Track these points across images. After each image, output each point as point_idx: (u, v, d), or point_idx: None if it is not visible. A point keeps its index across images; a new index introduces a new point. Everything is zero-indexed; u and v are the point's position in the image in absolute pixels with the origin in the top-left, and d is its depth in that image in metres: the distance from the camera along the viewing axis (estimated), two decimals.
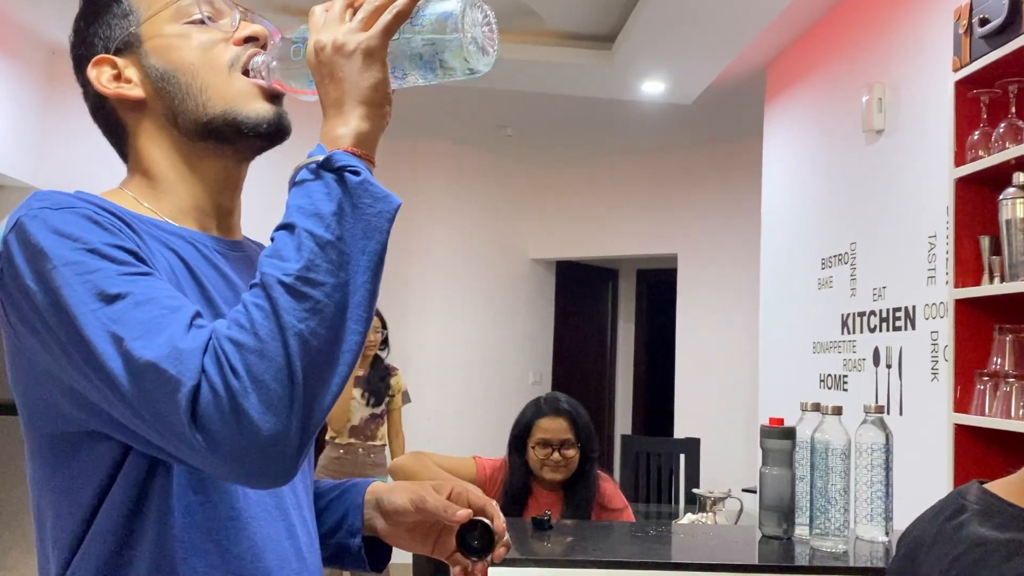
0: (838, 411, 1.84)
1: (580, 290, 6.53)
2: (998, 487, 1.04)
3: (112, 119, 0.90)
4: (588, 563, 1.59)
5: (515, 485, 2.42)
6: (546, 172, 6.14)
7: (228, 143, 0.87)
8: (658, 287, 6.60)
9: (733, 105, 4.58)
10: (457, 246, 5.70)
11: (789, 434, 1.90)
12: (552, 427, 2.39)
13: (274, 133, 0.88)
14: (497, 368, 5.71)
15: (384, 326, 3.92)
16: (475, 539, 0.89)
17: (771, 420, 1.95)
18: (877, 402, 2.93)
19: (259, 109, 0.87)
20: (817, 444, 1.84)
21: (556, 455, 2.36)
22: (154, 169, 0.89)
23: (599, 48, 4.07)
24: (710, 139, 5.40)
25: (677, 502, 4.03)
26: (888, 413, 2.87)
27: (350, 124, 0.76)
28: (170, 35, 0.87)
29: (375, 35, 0.76)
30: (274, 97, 0.88)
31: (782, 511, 1.87)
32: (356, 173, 0.74)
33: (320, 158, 0.74)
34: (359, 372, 3.82)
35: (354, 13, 0.78)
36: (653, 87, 4.30)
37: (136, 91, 0.87)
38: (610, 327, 6.81)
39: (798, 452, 1.91)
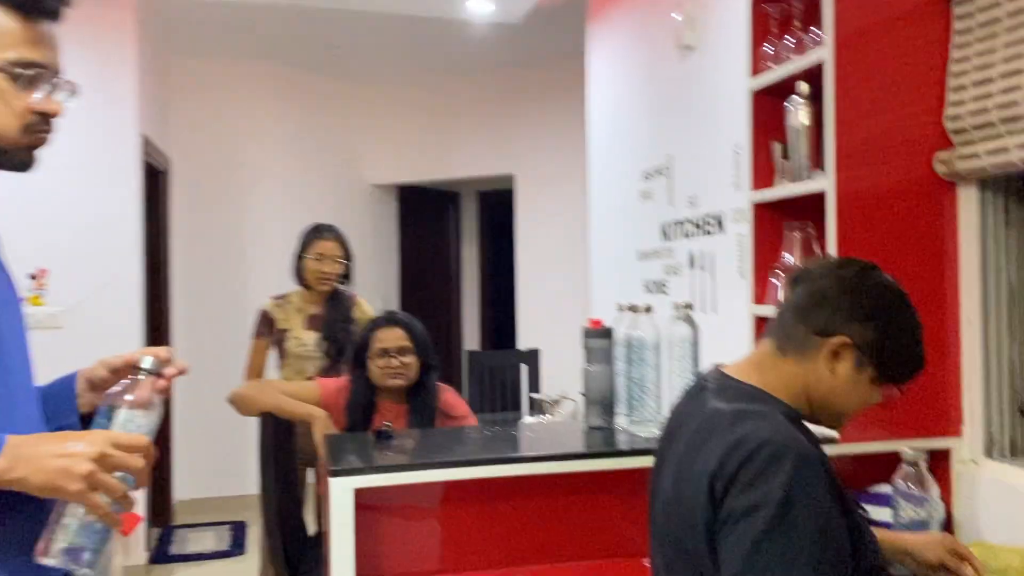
0: (648, 310, 2.01)
1: (423, 214, 6.55)
2: (730, 368, 1.27)
3: None
4: (427, 464, 1.69)
5: (358, 400, 2.48)
6: (381, 94, 6.04)
7: None
8: (498, 208, 6.72)
9: (559, 25, 4.66)
10: (292, 174, 5.55)
11: (607, 334, 2.06)
12: (388, 336, 2.48)
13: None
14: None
15: (348, 256, 3.18)
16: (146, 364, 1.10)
17: (591, 322, 2.10)
18: (694, 302, 3.18)
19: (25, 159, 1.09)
20: (632, 341, 2.00)
21: (395, 361, 2.45)
22: None
23: None
24: (540, 59, 5.47)
25: (521, 409, 4.23)
26: (704, 311, 3.13)
27: None
28: None
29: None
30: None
31: (604, 404, 2.04)
32: None
33: None
34: (313, 310, 3.08)
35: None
36: (479, 5, 4.30)
37: None
38: (454, 249, 6.90)
39: (616, 350, 2.07)
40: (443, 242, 6.81)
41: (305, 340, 3.05)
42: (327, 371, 3.01)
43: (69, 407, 1.20)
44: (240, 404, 2.57)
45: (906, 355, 1.23)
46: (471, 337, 6.91)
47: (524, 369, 4.35)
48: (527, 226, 5.74)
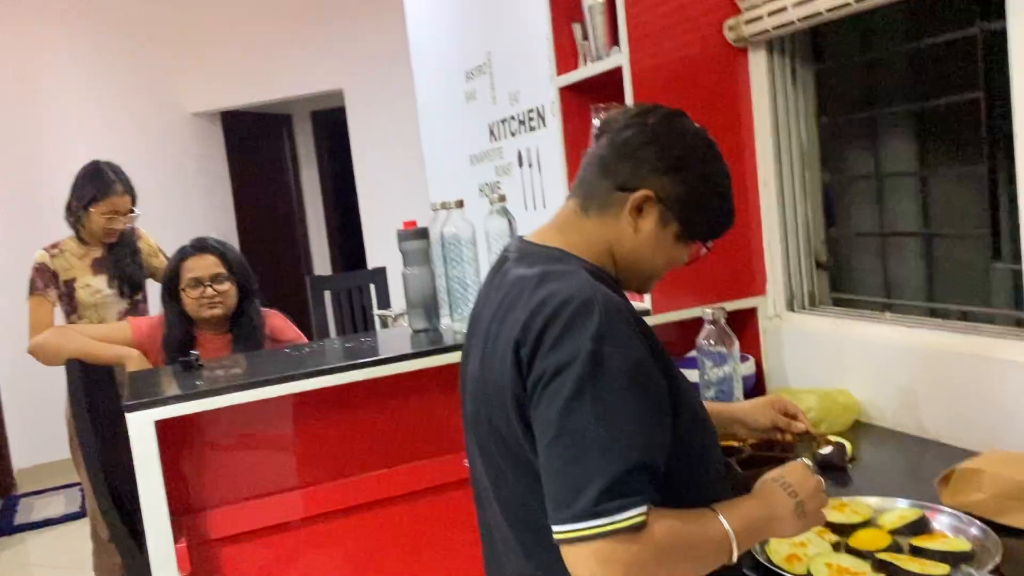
0: (460, 205, 1.96)
1: (253, 140, 6.21)
2: (532, 235, 1.19)
3: None
4: (232, 388, 1.60)
5: (175, 336, 2.34)
6: (192, 13, 5.59)
7: None
8: (334, 126, 6.47)
9: None
10: (101, 110, 5.11)
11: (422, 234, 2.00)
12: (200, 264, 2.33)
13: None
14: (173, 233, 5.35)
15: (134, 202, 2.86)
16: None
17: (405, 224, 2.03)
18: (526, 201, 3.17)
19: None
20: (447, 238, 1.96)
21: (210, 290, 2.31)
22: None
23: None
24: None
25: (373, 328, 4.16)
26: (535, 208, 3.12)
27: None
28: None
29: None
30: None
31: (426, 306, 2.00)
32: None
33: None
34: (96, 254, 2.83)
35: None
36: None
37: None
38: (292, 174, 6.62)
39: (434, 250, 2.02)
40: (279, 168, 6.52)
41: (97, 286, 2.80)
42: (131, 312, 2.82)
43: None
44: (42, 354, 2.38)
45: (713, 209, 1.14)
46: (322, 263, 6.73)
47: (371, 288, 4.26)
48: (362, 142, 5.56)
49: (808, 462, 1.13)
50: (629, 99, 1.90)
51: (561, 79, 2.20)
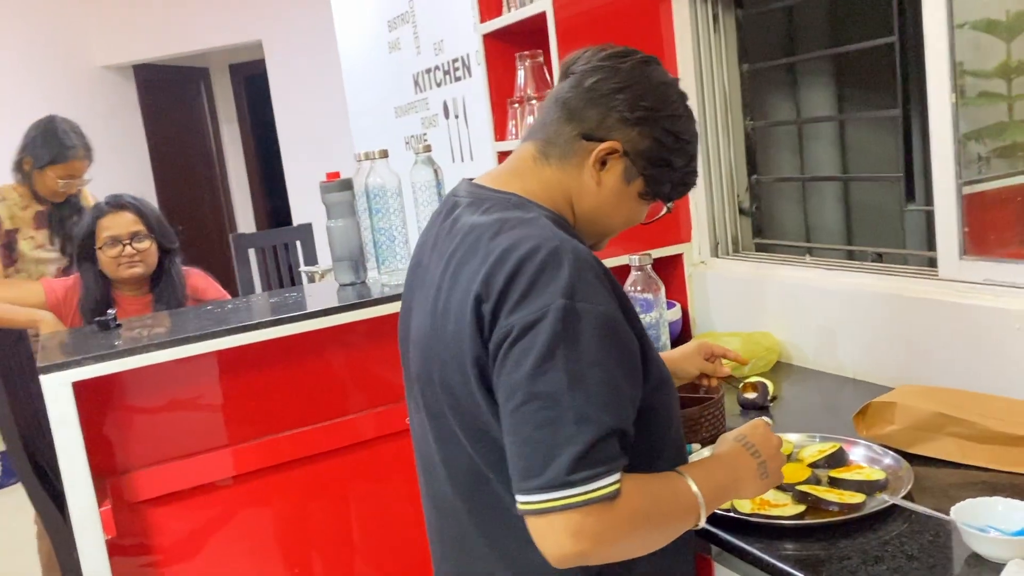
0: (384, 155, 1.92)
1: (168, 95, 5.97)
2: (484, 178, 1.09)
3: None
4: (152, 346, 1.55)
5: (92, 298, 2.26)
6: None
7: None
8: (253, 80, 6.26)
9: None
10: (4, 62, 4.82)
11: (346, 185, 1.96)
12: (117, 222, 2.24)
13: None
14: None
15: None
16: None
17: (328, 175, 1.98)
18: (453, 153, 3.14)
19: None
20: (371, 189, 1.92)
21: (129, 248, 2.22)
22: None
23: None
24: None
25: (300, 285, 4.09)
26: (462, 159, 3.09)
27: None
28: None
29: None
30: None
31: (352, 259, 1.97)
32: None
33: None
34: (39, 206, 2.66)
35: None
36: None
37: None
38: (211, 129, 6.40)
39: (358, 202, 1.98)
40: (197, 124, 6.29)
41: (40, 239, 2.67)
42: (67, 272, 2.67)
43: None
44: None
45: (680, 169, 1.06)
46: (246, 221, 6.56)
47: (298, 245, 4.17)
48: (284, 95, 5.40)
49: (768, 420, 1.11)
50: (553, 46, 1.88)
51: (484, 26, 2.16)
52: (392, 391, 1.89)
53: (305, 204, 5.31)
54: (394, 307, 1.80)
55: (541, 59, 2.10)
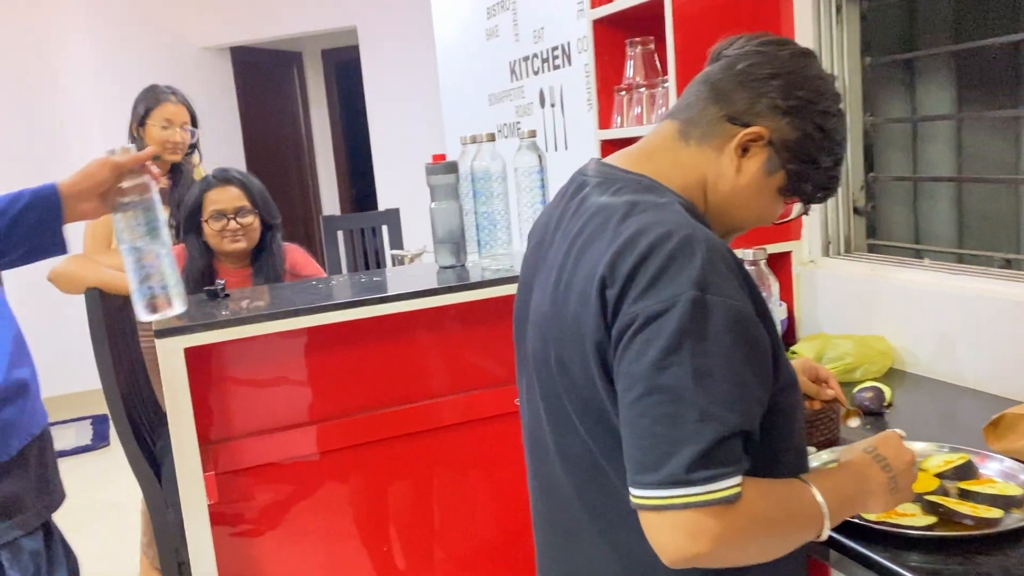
0: (491, 138, 1.91)
1: (263, 78, 6.11)
2: (616, 158, 1.05)
3: None
4: (262, 316, 1.58)
5: (197, 268, 2.31)
6: None
7: None
8: (346, 65, 6.35)
9: None
10: (108, 43, 5.00)
11: (452, 168, 1.96)
12: (223, 196, 2.28)
13: None
14: None
15: (195, 122, 2.74)
16: None
17: (434, 157, 1.98)
18: (547, 142, 3.11)
19: None
20: (476, 172, 1.91)
21: (233, 223, 2.27)
22: None
23: None
24: None
25: (384, 269, 4.14)
26: (556, 149, 3.06)
27: None
28: None
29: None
30: None
31: (453, 241, 1.97)
32: None
33: None
34: (161, 185, 2.57)
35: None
36: None
37: None
38: (302, 113, 6.53)
39: (462, 185, 1.98)
40: (289, 107, 6.42)
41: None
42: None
43: (51, 223, 1.26)
44: (62, 282, 2.35)
45: (825, 170, 1.00)
46: (331, 204, 6.67)
47: (384, 229, 4.22)
48: (376, 82, 5.45)
49: (901, 432, 1.04)
50: (669, 34, 1.84)
51: (595, 12, 2.13)
52: (489, 376, 1.88)
53: (391, 190, 5.37)
54: (494, 291, 1.79)
55: (652, 46, 2.06)
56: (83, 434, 4.35)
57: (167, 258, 1.34)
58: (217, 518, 1.63)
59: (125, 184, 1.29)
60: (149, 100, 2.70)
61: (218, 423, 1.69)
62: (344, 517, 1.83)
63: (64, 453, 4.11)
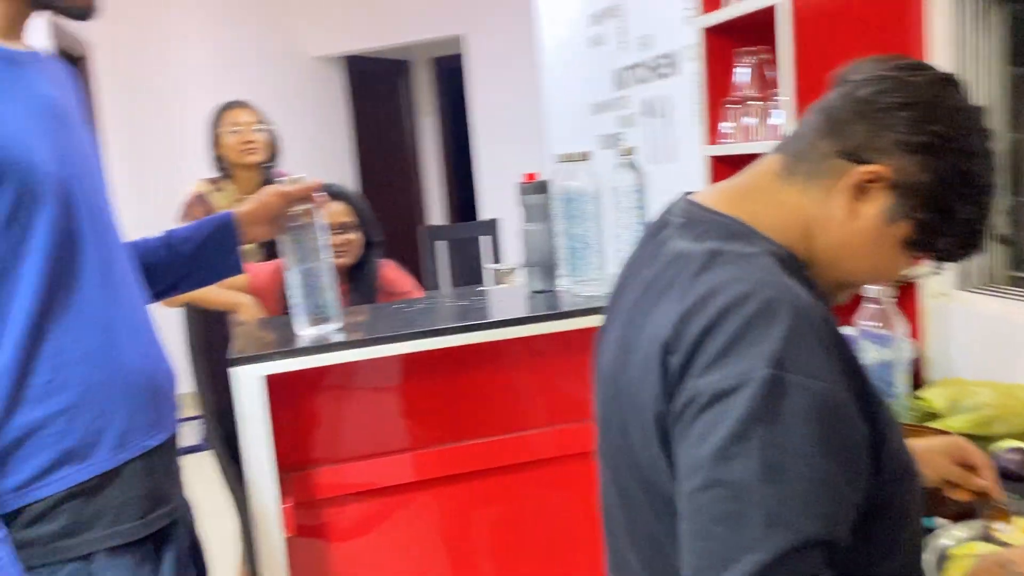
0: (584, 157, 1.80)
1: (373, 87, 6.18)
2: (706, 195, 0.92)
3: None
4: (359, 342, 1.52)
5: None
6: None
7: None
8: (453, 73, 6.36)
9: None
10: (224, 53, 5.15)
11: (542, 187, 1.86)
12: (330, 211, 2.26)
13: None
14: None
15: (266, 125, 2.83)
16: None
17: (526, 176, 1.89)
18: (650, 153, 2.97)
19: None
20: (569, 193, 1.80)
21: (337, 239, 2.24)
22: None
23: None
24: None
25: (481, 282, 4.08)
26: (659, 162, 2.92)
27: None
28: None
29: None
30: None
31: (545, 265, 1.86)
32: None
33: None
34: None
35: None
36: None
37: None
38: (411, 122, 6.57)
39: (555, 205, 1.87)
40: (397, 115, 6.47)
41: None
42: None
43: (230, 246, 1.38)
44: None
45: (964, 222, 0.83)
46: (437, 214, 6.69)
47: (482, 240, 4.16)
48: (480, 90, 5.42)
49: None
50: (786, 43, 1.68)
51: (705, 19, 1.98)
52: (575, 410, 1.77)
53: (492, 200, 5.32)
54: (584, 321, 1.67)
55: (766, 57, 1.90)
56: (191, 435, 4.48)
57: (327, 276, 1.53)
58: (294, 546, 1.59)
59: (294, 211, 1.48)
60: (216, 114, 2.84)
61: (297, 450, 1.64)
62: (421, 550, 1.75)
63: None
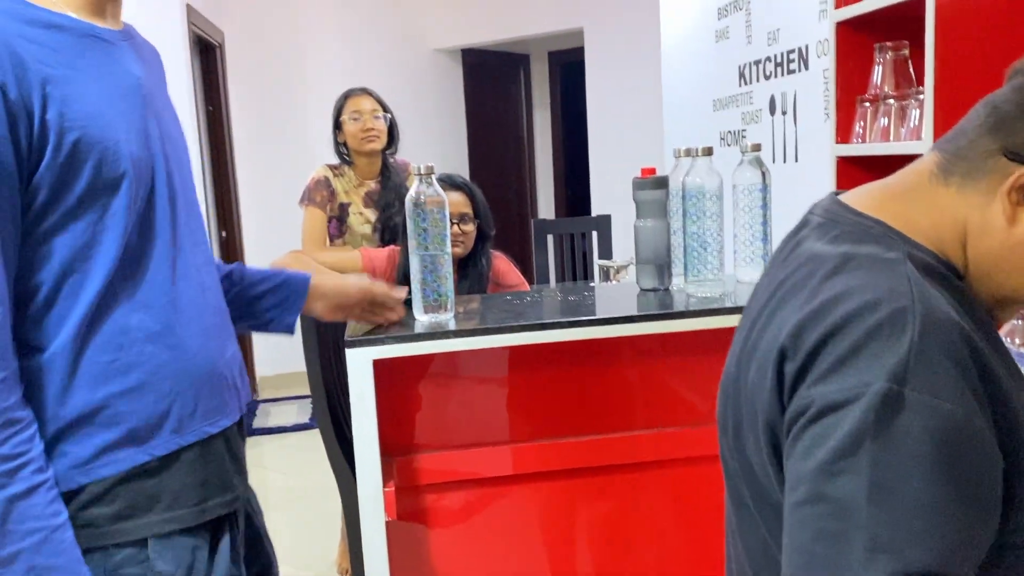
0: (708, 152, 1.74)
1: (490, 79, 6.23)
2: (853, 195, 0.85)
3: None
4: (468, 332, 1.53)
5: (407, 272, 2.32)
6: None
7: None
8: (571, 68, 6.33)
9: None
10: (350, 42, 5.31)
11: (661, 183, 1.81)
12: (449, 201, 2.28)
13: None
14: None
15: (387, 111, 2.89)
16: None
17: (643, 171, 1.85)
18: (775, 151, 2.87)
19: None
20: (689, 189, 1.75)
21: (455, 228, 2.26)
22: None
23: None
24: None
25: (592, 278, 4.04)
26: (784, 161, 2.81)
27: None
28: None
29: None
30: None
31: (658, 263, 1.82)
32: None
33: None
34: (370, 187, 2.87)
35: None
36: None
37: None
38: (524, 116, 6.59)
39: (672, 202, 1.82)
40: (513, 108, 6.50)
41: (369, 216, 2.83)
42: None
43: (293, 308, 1.36)
44: None
45: None
46: (547, 207, 6.69)
47: (594, 236, 4.12)
48: (599, 84, 5.37)
49: None
50: (929, 37, 1.57)
51: (840, 12, 1.89)
52: (681, 414, 1.72)
53: (606, 195, 5.28)
54: (697, 323, 1.62)
55: (906, 52, 1.79)
56: (303, 412, 4.64)
57: (447, 265, 1.58)
58: (394, 531, 1.61)
59: (426, 194, 1.54)
60: (338, 101, 2.90)
61: (402, 435, 1.67)
62: (518, 543, 1.74)
63: (284, 429, 4.41)
